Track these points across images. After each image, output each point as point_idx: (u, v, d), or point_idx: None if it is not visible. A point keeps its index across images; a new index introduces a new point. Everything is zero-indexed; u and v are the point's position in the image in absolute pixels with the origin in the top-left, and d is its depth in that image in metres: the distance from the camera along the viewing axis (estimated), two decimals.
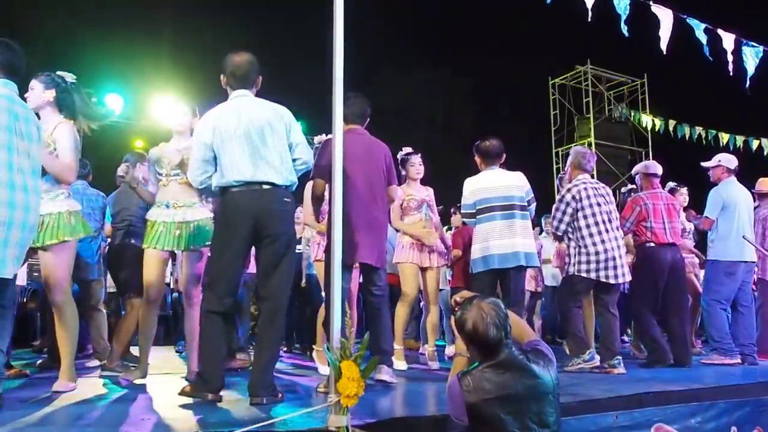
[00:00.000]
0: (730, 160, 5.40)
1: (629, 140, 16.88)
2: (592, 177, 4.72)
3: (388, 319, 3.77)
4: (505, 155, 4.40)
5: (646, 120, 14.26)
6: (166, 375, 4.27)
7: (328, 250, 3.56)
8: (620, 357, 4.38)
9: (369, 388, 3.36)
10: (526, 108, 18.12)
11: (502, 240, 4.11)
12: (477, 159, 4.41)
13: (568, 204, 4.47)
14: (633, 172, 5.52)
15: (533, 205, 4.35)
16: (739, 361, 4.98)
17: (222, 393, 2.96)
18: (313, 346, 4.94)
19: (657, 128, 13.90)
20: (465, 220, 4.43)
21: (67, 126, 3.31)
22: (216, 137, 3.00)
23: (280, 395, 2.99)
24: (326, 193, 3.54)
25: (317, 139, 4.79)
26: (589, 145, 15.64)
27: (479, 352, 2.22)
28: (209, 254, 3.18)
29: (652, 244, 4.95)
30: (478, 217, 4.23)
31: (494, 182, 4.24)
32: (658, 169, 5.25)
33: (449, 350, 6.19)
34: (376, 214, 3.72)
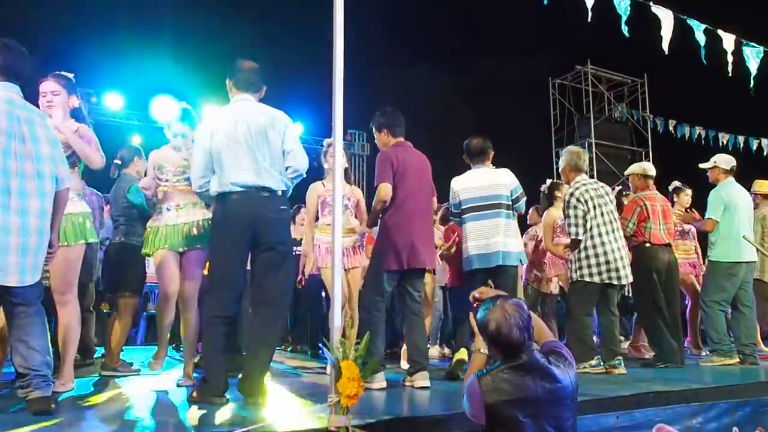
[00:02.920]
0: (726, 161, 5.40)
1: (629, 140, 16.84)
2: (587, 175, 4.69)
3: (425, 324, 3.97)
4: (492, 153, 4.34)
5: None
6: (163, 375, 4.27)
7: (373, 255, 3.81)
8: (621, 357, 4.39)
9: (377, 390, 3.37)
10: (526, 108, 18.10)
11: (482, 240, 4.10)
12: (465, 158, 4.40)
13: (576, 207, 4.43)
14: (628, 172, 5.52)
15: (522, 201, 4.27)
16: (738, 361, 4.98)
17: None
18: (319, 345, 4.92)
19: (657, 128, 13.90)
20: (453, 219, 4.51)
21: None
22: (214, 142, 3.00)
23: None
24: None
25: (326, 141, 4.92)
26: (589, 145, 15.63)
27: (501, 353, 2.21)
28: (211, 259, 3.22)
29: (649, 245, 5.00)
30: (463, 216, 4.22)
31: (478, 181, 4.21)
32: (654, 171, 5.34)
33: (434, 351, 6.19)
34: (430, 221, 4.04)
